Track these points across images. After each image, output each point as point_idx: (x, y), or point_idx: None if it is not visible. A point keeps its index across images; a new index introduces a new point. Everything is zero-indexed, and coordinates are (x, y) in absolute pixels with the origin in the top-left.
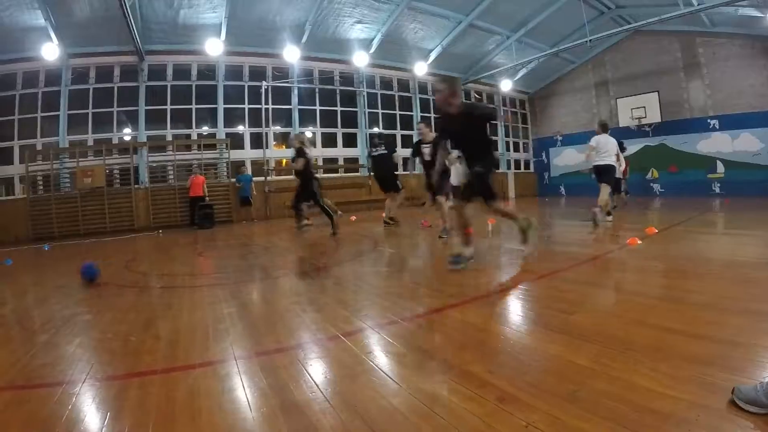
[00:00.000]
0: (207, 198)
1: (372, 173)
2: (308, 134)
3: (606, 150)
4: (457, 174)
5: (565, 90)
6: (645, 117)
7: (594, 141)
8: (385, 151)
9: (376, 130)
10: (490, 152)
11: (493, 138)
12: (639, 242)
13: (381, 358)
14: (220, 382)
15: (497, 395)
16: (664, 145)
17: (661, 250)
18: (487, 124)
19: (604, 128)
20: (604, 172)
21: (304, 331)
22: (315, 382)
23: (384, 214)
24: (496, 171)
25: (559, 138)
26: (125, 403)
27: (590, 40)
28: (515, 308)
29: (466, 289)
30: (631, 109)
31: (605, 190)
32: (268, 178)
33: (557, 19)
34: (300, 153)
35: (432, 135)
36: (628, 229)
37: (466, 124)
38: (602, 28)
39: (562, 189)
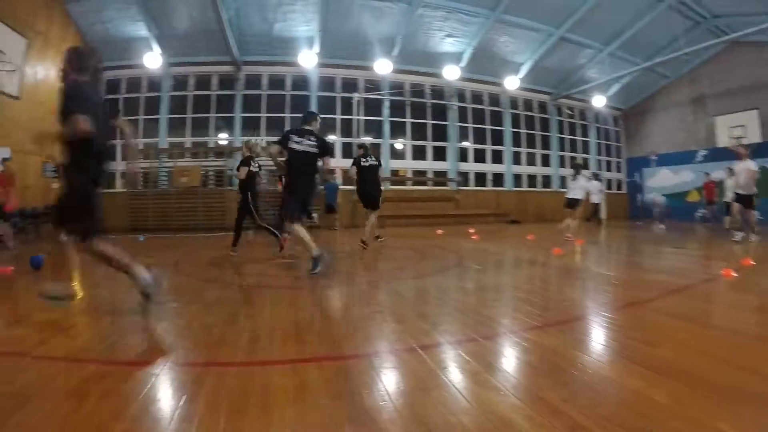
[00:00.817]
0: None
1: (357, 186)
2: (260, 142)
3: None
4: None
5: (660, 106)
6: (744, 137)
7: (756, 166)
8: (375, 162)
9: (367, 139)
10: (79, 159)
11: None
12: (734, 274)
13: (455, 375)
14: (295, 380)
15: (569, 425)
16: (766, 168)
17: (757, 284)
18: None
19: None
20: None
21: (383, 340)
22: (387, 391)
23: (363, 236)
24: (88, 185)
25: (654, 158)
26: (201, 390)
27: (686, 53)
28: (597, 336)
29: (549, 313)
30: (730, 127)
31: None
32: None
33: (651, 31)
34: (245, 162)
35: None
36: (721, 258)
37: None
38: (698, 40)
39: (656, 212)
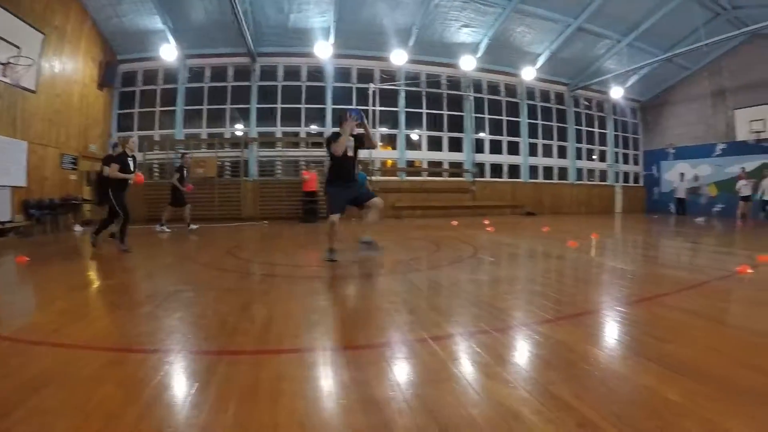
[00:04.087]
0: (321, 193)
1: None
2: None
3: None
4: None
5: (679, 99)
6: (765, 131)
7: None
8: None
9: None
10: None
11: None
12: (750, 271)
13: (466, 367)
14: (306, 369)
15: (578, 421)
16: None
17: None
18: None
19: None
20: None
21: (395, 331)
22: (397, 382)
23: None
24: None
25: (672, 151)
26: (213, 377)
27: (706, 45)
28: (610, 331)
29: (562, 306)
30: (750, 121)
31: None
32: (373, 178)
33: (670, 22)
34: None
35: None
36: (737, 255)
37: None
38: (718, 31)
39: (672, 206)
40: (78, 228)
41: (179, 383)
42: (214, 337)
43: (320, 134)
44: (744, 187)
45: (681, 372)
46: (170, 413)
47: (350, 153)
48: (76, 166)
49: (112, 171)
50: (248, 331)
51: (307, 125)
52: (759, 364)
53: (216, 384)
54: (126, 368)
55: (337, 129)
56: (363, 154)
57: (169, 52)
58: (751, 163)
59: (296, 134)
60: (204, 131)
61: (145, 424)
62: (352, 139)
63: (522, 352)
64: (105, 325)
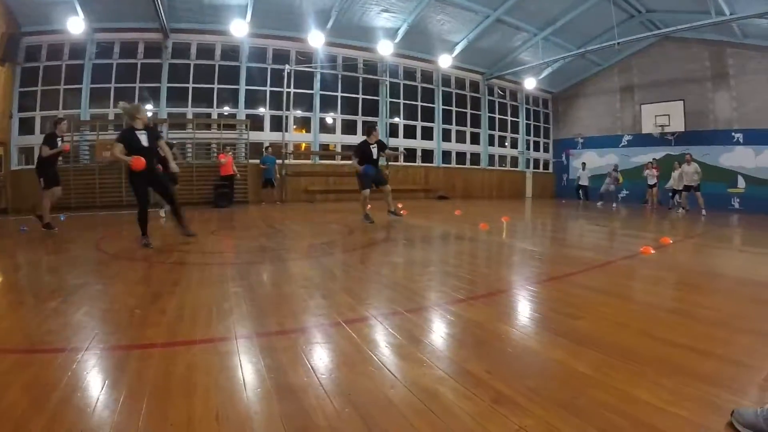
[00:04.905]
0: (238, 176)
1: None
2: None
3: None
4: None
5: (590, 92)
6: (668, 125)
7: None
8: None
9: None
10: None
11: None
12: (652, 251)
13: (381, 349)
14: (219, 359)
15: (493, 396)
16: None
17: (674, 262)
18: None
19: None
20: None
21: (308, 315)
22: (312, 368)
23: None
24: None
25: (581, 140)
26: (124, 374)
27: (618, 43)
28: (521, 309)
29: (474, 286)
30: (655, 116)
31: None
32: (286, 161)
33: (586, 20)
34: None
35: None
36: (642, 237)
37: None
38: (631, 32)
39: (580, 192)
40: None
41: (89, 383)
42: (123, 331)
43: (233, 116)
44: (650, 176)
45: (590, 345)
46: (81, 416)
47: (375, 156)
48: None
49: (114, 151)
50: (159, 323)
51: (219, 106)
52: (661, 336)
53: (127, 381)
54: (32, 371)
55: (364, 137)
56: (276, 137)
57: (76, 25)
58: (654, 154)
59: (208, 116)
60: (111, 111)
61: (55, 429)
62: (376, 145)
63: (436, 332)
64: (8, 324)
